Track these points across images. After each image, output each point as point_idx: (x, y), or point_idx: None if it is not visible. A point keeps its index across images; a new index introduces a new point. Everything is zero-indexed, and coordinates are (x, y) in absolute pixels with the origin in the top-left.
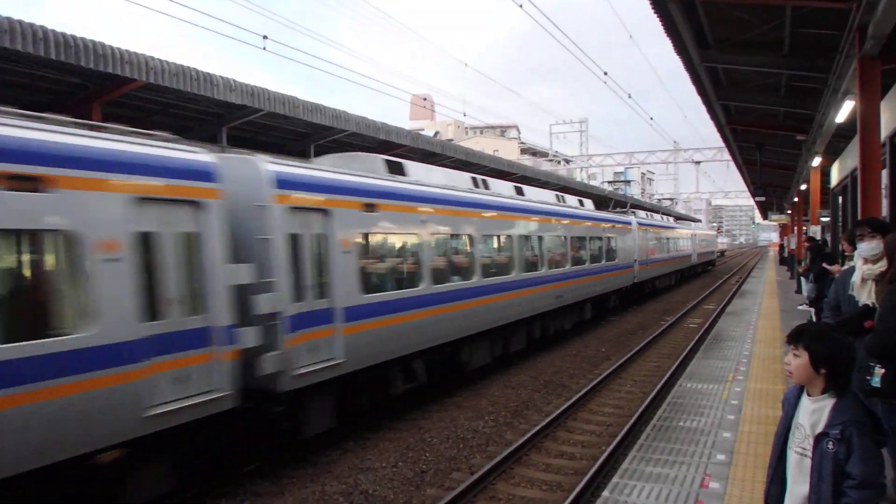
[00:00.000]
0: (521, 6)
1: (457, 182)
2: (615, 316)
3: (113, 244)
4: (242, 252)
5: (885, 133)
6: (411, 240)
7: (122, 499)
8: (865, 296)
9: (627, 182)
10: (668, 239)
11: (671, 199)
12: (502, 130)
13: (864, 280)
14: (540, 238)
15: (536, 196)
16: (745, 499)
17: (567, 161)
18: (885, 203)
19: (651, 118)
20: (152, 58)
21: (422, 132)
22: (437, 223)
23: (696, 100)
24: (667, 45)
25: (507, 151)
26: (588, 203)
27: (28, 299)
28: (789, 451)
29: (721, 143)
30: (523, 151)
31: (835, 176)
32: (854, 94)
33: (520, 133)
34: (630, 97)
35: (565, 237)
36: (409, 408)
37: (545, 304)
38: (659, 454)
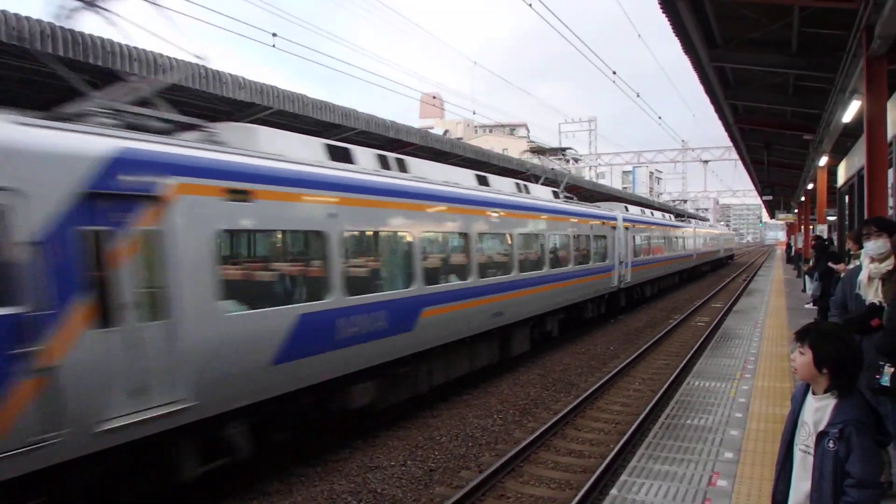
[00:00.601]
0: (530, 5)
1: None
2: (623, 314)
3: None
4: None
5: (891, 132)
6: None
7: None
8: (872, 294)
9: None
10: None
11: (684, 200)
12: (511, 129)
13: (870, 278)
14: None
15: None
16: (753, 496)
17: (576, 160)
18: (891, 202)
19: (660, 117)
20: (161, 55)
21: (431, 130)
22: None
23: (705, 99)
24: (675, 44)
25: (516, 150)
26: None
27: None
28: (795, 449)
29: (729, 143)
30: (532, 150)
31: (841, 175)
32: (861, 94)
33: (529, 131)
34: (638, 96)
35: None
36: (418, 406)
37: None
38: (667, 452)
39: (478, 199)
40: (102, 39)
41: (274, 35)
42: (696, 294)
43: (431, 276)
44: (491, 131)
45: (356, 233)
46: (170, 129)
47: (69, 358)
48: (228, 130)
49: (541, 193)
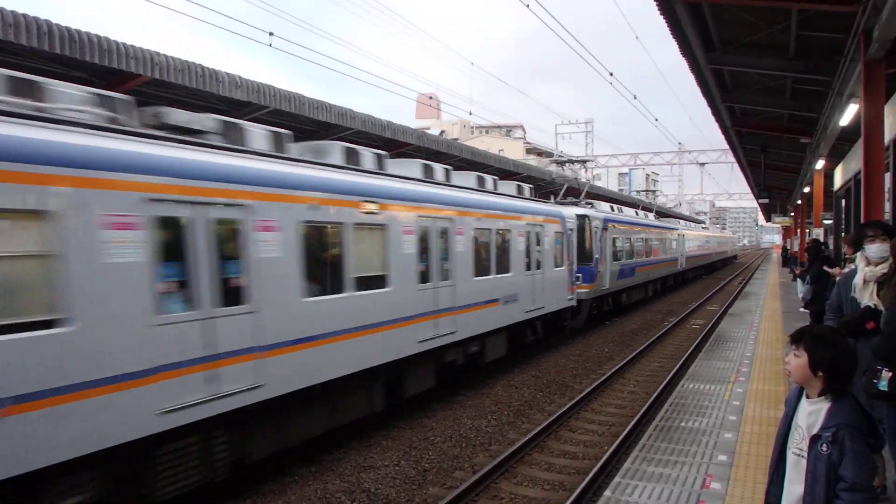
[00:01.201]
0: (527, 6)
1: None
2: (619, 317)
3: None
4: None
5: (888, 136)
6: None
7: None
8: (867, 297)
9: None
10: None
11: (679, 204)
12: (508, 130)
13: (865, 282)
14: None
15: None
16: (747, 499)
17: (572, 161)
18: (888, 206)
19: (656, 119)
20: (157, 53)
21: (428, 131)
22: None
23: (702, 101)
24: (673, 46)
25: (513, 151)
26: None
27: None
28: (788, 452)
29: (726, 145)
30: (528, 151)
31: (838, 179)
32: (858, 98)
33: (525, 133)
34: (636, 98)
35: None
36: (413, 406)
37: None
38: (661, 454)
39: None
40: (99, 37)
41: (271, 34)
42: (692, 297)
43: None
44: (487, 132)
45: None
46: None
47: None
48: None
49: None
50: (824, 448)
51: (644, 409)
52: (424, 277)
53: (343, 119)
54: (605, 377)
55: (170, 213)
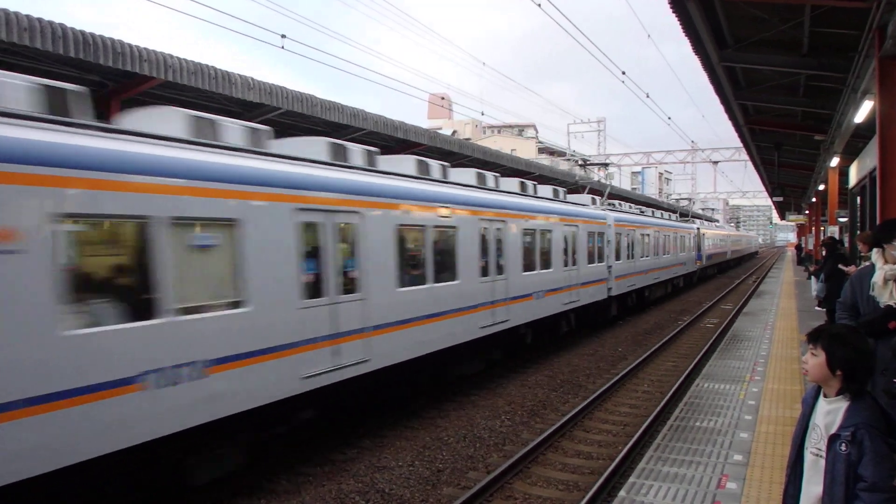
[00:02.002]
0: (539, 4)
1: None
2: (632, 316)
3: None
4: None
5: None
6: None
7: None
8: (887, 296)
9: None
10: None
11: (689, 199)
12: (520, 129)
13: (885, 280)
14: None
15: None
16: (763, 499)
17: (585, 160)
18: None
19: (669, 118)
20: (171, 56)
21: (440, 131)
22: None
23: (715, 99)
24: (685, 44)
25: (525, 151)
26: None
27: None
28: (806, 452)
29: (739, 143)
30: (541, 151)
31: (853, 176)
32: (873, 94)
33: (537, 132)
34: (648, 96)
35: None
36: (425, 406)
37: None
38: (676, 454)
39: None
40: (113, 40)
41: (283, 37)
42: (705, 296)
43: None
44: (499, 132)
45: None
46: None
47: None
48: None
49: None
50: (843, 448)
51: (658, 408)
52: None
53: (355, 119)
54: (618, 377)
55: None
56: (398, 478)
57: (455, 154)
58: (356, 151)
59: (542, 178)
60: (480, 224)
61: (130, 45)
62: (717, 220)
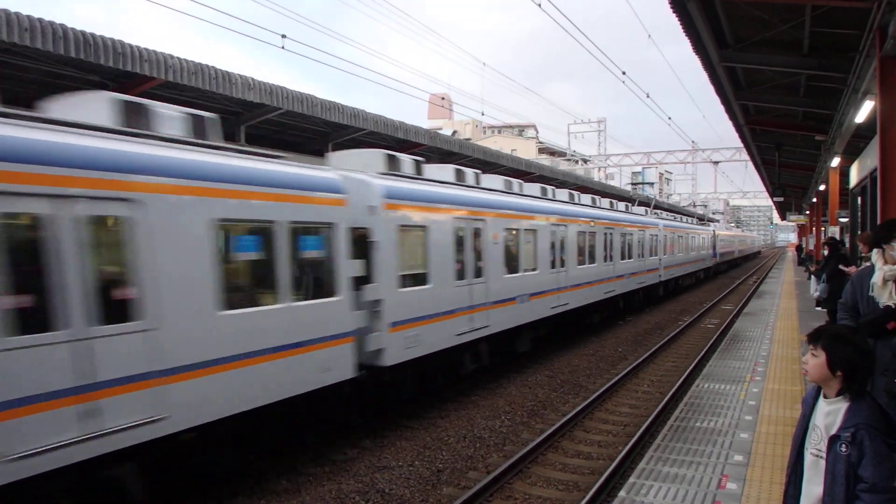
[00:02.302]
0: (539, 5)
1: None
2: (632, 316)
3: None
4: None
5: None
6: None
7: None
8: (886, 297)
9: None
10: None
11: (693, 203)
12: (520, 130)
13: (885, 281)
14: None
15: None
16: (763, 499)
17: (585, 161)
18: None
19: (669, 118)
20: (171, 56)
21: (440, 131)
22: None
23: (715, 99)
24: (686, 44)
25: (525, 151)
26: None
27: None
28: (806, 453)
29: (740, 143)
30: (541, 151)
31: (854, 176)
32: (874, 94)
33: (538, 132)
34: (648, 96)
35: None
36: (426, 406)
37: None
38: (676, 454)
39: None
40: (113, 40)
41: (283, 37)
42: (706, 296)
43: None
44: (500, 132)
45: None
46: None
47: None
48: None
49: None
50: (843, 448)
51: (658, 409)
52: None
53: (355, 120)
54: (618, 377)
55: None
56: (398, 478)
57: (455, 154)
58: (470, 174)
59: (605, 193)
60: (606, 230)
61: (131, 46)
62: (718, 221)
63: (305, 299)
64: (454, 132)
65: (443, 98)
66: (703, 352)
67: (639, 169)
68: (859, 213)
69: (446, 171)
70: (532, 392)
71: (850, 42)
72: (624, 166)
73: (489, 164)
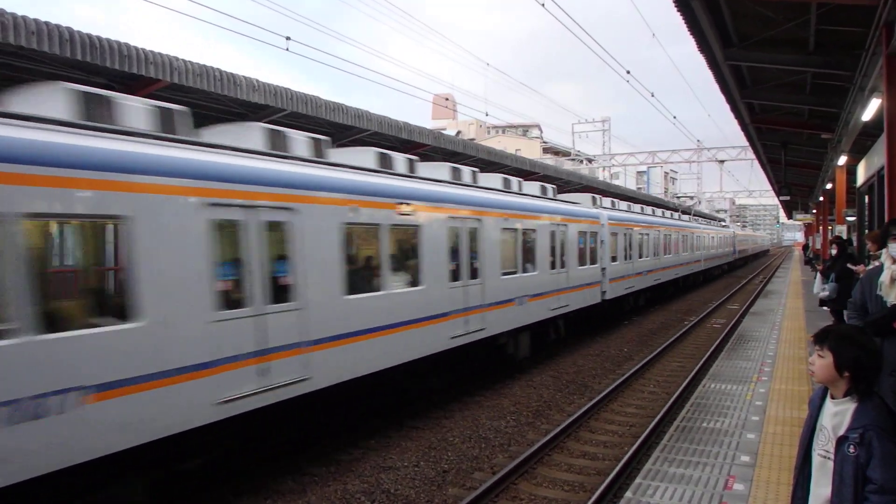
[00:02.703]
0: (542, 4)
1: None
2: (638, 316)
3: None
4: None
5: None
6: None
7: None
8: (894, 296)
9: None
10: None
11: (698, 202)
12: (524, 130)
13: (893, 280)
14: None
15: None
16: (770, 500)
17: (589, 160)
18: None
19: (674, 117)
20: (176, 58)
21: (444, 132)
22: None
23: (720, 98)
24: (690, 43)
25: (529, 151)
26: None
27: None
28: (813, 454)
29: (745, 142)
30: (545, 150)
31: (861, 174)
32: (881, 92)
33: (542, 132)
34: (653, 95)
35: None
36: (431, 406)
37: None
38: (682, 455)
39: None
40: (119, 43)
41: (287, 38)
42: (712, 296)
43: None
44: (504, 132)
45: None
46: None
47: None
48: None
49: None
50: (851, 449)
51: (665, 409)
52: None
53: (359, 121)
54: (624, 377)
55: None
56: (403, 478)
57: (459, 154)
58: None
59: (663, 204)
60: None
61: (136, 48)
62: (723, 220)
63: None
64: (458, 132)
65: (446, 98)
66: (710, 352)
67: (644, 168)
68: (867, 212)
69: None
70: (537, 392)
71: (856, 39)
72: (629, 166)
73: (493, 164)
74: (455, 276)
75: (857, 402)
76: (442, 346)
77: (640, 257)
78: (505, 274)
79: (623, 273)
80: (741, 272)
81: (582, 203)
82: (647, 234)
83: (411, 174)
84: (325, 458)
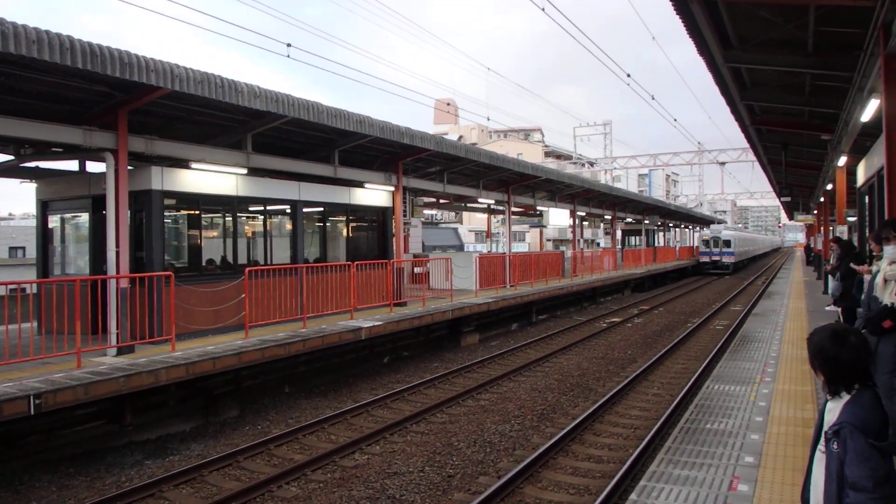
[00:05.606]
0: (542, 9)
1: None
2: (641, 318)
3: None
4: None
5: None
6: None
7: None
8: (887, 296)
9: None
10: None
11: (700, 204)
12: (526, 133)
13: (886, 280)
14: None
15: None
16: (775, 501)
17: (591, 163)
18: None
19: (675, 119)
20: (177, 65)
21: (445, 136)
22: None
23: (720, 100)
24: (689, 45)
25: (531, 154)
26: None
27: None
28: (817, 451)
29: (746, 144)
30: (547, 154)
31: (861, 175)
32: (879, 92)
33: (543, 136)
34: (654, 98)
35: None
36: (434, 411)
37: None
38: (687, 457)
39: None
40: (120, 51)
41: (289, 45)
42: (714, 297)
43: None
44: (506, 136)
45: None
46: None
47: None
48: None
49: None
50: (835, 446)
51: (669, 411)
52: None
53: (361, 126)
54: (628, 380)
55: None
56: (409, 483)
57: (461, 159)
58: None
59: (691, 217)
60: None
61: (137, 56)
62: (726, 222)
63: None
64: (460, 137)
65: (448, 103)
66: (713, 353)
67: (645, 171)
68: (867, 212)
69: None
70: (541, 396)
71: (855, 40)
72: (630, 168)
73: (494, 168)
74: None
75: (846, 399)
76: None
77: (741, 248)
78: None
79: (740, 256)
80: (743, 273)
81: (726, 223)
82: (742, 236)
83: None
84: (330, 465)
